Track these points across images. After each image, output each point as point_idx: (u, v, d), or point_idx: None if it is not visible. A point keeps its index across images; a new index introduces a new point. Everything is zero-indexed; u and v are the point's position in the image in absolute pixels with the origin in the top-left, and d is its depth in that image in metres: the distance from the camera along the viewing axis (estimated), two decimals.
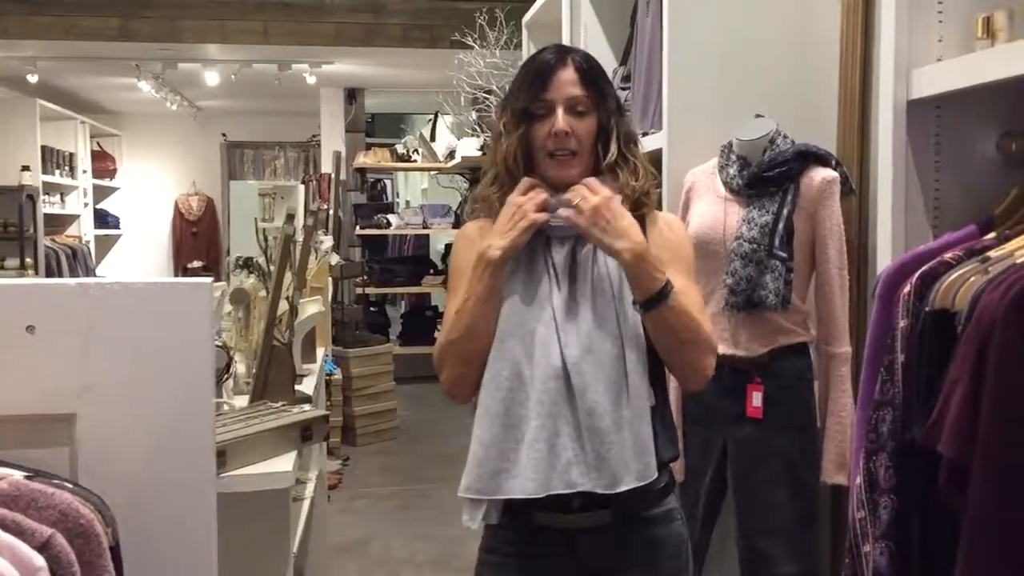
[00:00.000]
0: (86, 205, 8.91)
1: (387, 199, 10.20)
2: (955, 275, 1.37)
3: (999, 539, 1.22)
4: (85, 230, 8.85)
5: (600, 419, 1.52)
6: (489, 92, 5.09)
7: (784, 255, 2.23)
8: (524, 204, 1.57)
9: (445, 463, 5.41)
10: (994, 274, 1.31)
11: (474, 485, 1.55)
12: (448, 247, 7.46)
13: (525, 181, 1.60)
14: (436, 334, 7.93)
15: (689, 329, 1.57)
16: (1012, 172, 1.57)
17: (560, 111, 1.58)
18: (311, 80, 7.41)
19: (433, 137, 7.59)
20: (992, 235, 1.48)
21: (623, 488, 1.52)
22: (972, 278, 1.34)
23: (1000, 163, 1.60)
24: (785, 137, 2.33)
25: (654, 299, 1.53)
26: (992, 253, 1.40)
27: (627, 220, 1.54)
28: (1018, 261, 1.33)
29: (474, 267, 1.59)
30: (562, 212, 1.57)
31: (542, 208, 1.57)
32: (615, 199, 1.56)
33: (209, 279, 1.11)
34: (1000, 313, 1.22)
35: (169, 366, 1.09)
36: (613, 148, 1.63)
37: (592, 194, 1.55)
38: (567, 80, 1.59)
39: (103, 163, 9.58)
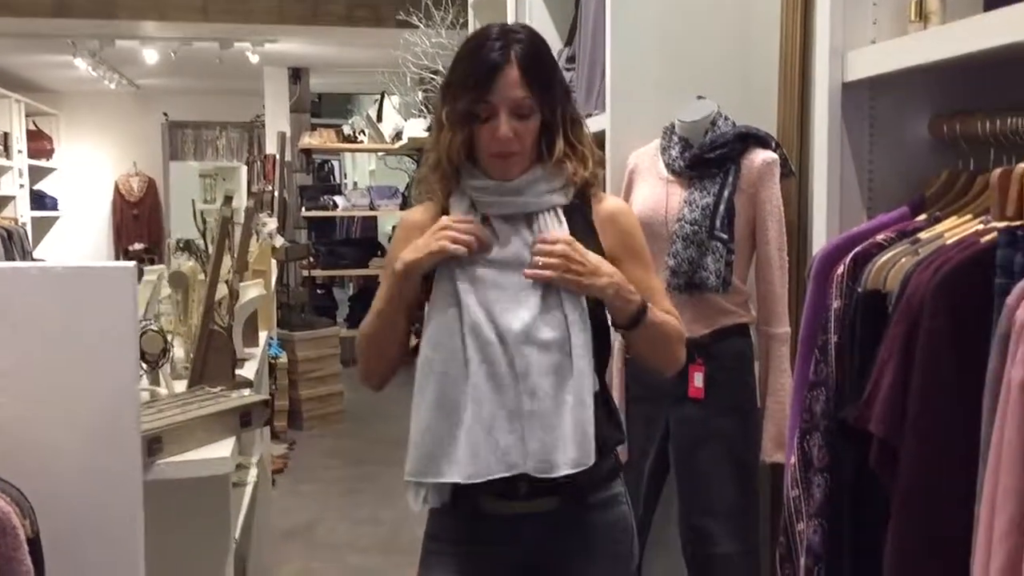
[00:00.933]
0: (22, 186, 8.66)
1: (334, 180, 10.09)
2: (886, 256, 1.39)
3: (927, 517, 1.24)
4: (21, 212, 8.60)
5: (540, 402, 1.51)
6: (435, 72, 5.04)
7: (725, 237, 2.24)
8: (449, 230, 1.54)
9: (392, 446, 5.35)
10: (924, 255, 1.33)
11: (414, 468, 1.55)
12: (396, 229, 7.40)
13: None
14: None
15: (666, 336, 1.63)
16: (943, 153, 1.60)
17: (503, 116, 1.54)
18: (254, 59, 7.28)
19: (380, 118, 7.51)
20: (923, 216, 1.50)
21: (559, 474, 1.51)
22: (903, 259, 1.36)
23: (932, 145, 1.62)
24: (726, 119, 2.34)
25: (634, 321, 1.57)
26: (922, 235, 1.42)
27: (592, 255, 1.55)
28: (947, 243, 1.35)
29: (388, 271, 1.62)
30: (528, 272, 1.55)
31: (470, 238, 1.54)
32: (574, 241, 1.55)
33: (132, 263, 1.07)
34: (929, 294, 1.24)
35: (91, 353, 1.06)
36: (559, 144, 1.60)
37: (551, 244, 1.53)
38: (511, 82, 1.53)
39: (40, 143, 9.32)
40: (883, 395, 1.26)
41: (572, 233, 1.58)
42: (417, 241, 1.58)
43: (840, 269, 1.46)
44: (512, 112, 1.55)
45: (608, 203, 1.70)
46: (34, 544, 0.97)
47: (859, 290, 1.41)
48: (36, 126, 9.32)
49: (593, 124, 2.75)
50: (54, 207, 9.68)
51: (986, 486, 1.10)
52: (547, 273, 1.52)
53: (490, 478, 1.51)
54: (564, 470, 1.51)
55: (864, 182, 1.64)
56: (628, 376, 2.43)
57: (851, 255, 1.45)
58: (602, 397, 1.61)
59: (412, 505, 1.58)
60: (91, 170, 10.10)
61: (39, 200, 9.28)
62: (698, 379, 2.30)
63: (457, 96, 1.58)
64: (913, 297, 1.26)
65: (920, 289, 1.26)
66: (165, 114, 10.17)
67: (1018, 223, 1.19)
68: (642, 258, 1.67)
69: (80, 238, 9.94)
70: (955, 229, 1.40)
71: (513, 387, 1.52)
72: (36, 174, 9.24)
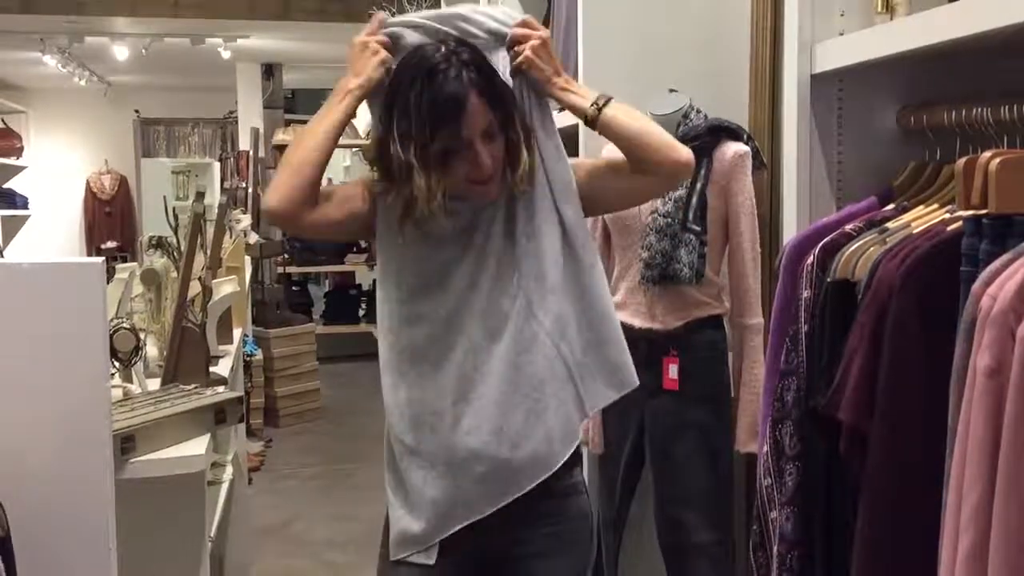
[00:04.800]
0: None
1: None
2: (855, 246, 1.41)
3: (895, 504, 1.26)
4: None
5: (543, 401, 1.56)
6: None
7: (698, 229, 2.26)
8: (370, 43, 1.58)
9: (369, 442, 5.37)
10: (891, 244, 1.35)
11: (430, 532, 1.57)
12: None
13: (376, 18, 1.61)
14: (360, 313, 7.89)
15: (647, 121, 1.62)
16: (911, 144, 1.61)
17: (479, 146, 1.51)
18: (226, 55, 7.23)
19: (354, 114, 7.47)
20: (891, 206, 1.52)
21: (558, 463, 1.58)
22: (871, 249, 1.38)
23: (899, 136, 1.64)
24: (698, 112, 2.35)
25: (600, 102, 1.59)
26: (890, 224, 1.44)
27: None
28: (915, 231, 1.37)
29: (331, 97, 1.61)
30: (515, 56, 1.58)
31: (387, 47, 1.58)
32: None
33: (100, 259, 1.06)
34: (897, 282, 1.25)
35: (60, 352, 1.05)
36: (525, 157, 1.57)
37: (533, 31, 1.58)
38: (478, 111, 1.50)
39: (9, 141, 9.21)
40: (852, 383, 1.28)
41: None
42: (353, 69, 1.59)
43: (810, 259, 1.47)
44: (484, 140, 1.52)
45: None
46: (4, 544, 0.96)
47: (828, 280, 1.42)
48: (5, 124, 9.21)
49: (566, 119, 2.76)
50: (24, 206, 9.57)
51: (953, 472, 1.11)
52: (523, 56, 1.56)
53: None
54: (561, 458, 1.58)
55: (833, 173, 1.66)
56: None
57: (820, 245, 1.47)
58: None
59: (425, 560, 1.58)
60: (62, 168, 9.99)
61: (9, 199, 9.18)
62: (672, 371, 2.32)
63: (422, 138, 1.50)
64: (881, 286, 1.28)
65: (888, 278, 1.27)
66: (136, 111, 10.08)
67: (983, 212, 1.21)
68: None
69: (51, 237, 9.83)
70: (922, 218, 1.42)
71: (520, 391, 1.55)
72: (5, 173, 9.14)
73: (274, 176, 1.62)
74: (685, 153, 1.59)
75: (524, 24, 1.60)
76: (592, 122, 1.59)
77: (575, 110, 1.61)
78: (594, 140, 2.54)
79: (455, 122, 1.49)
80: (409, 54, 1.56)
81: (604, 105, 1.59)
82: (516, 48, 1.58)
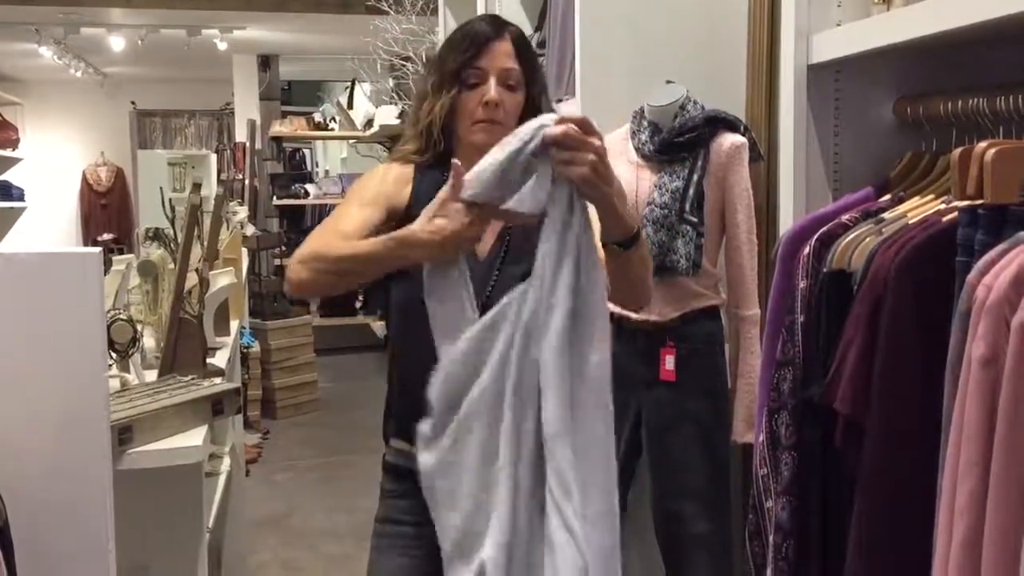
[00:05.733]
0: None
1: (306, 168, 10.02)
2: (851, 236, 1.41)
3: (891, 493, 1.26)
4: None
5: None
6: (406, 59, 5.02)
7: (695, 220, 2.26)
8: (466, 216, 1.34)
9: (367, 434, 5.37)
10: (887, 235, 1.35)
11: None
12: None
13: (456, 167, 1.35)
14: (357, 305, 7.89)
15: (649, 259, 1.56)
16: (907, 135, 1.62)
17: (493, 81, 1.55)
18: (222, 46, 7.20)
19: (351, 105, 7.46)
20: (887, 197, 1.52)
21: None
22: (867, 239, 1.38)
23: (896, 126, 1.64)
24: (695, 103, 2.35)
25: (633, 238, 1.41)
26: (886, 214, 1.44)
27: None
28: (911, 222, 1.38)
29: (398, 238, 1.40)
30: (559, 170, 1.28)
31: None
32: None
33: (98, 249, 1.06)
34: (892, 272, 1.26)
35: (59, 342, 1.05)
36: None
37: (589, 137, 1.30)
38: (503, 52, 1.56)
39: (5, 133, 9.16)
40: (848, 373, 1.28)
41: None
42: (439, 222, 1.34)
43: (806, 250, 1.47)
44: (501, 80, 1.56)
45: None
46: (3, 534, 0.97)
47: (824, 270, 1.43)
48: (0, 115, 9.18)
49: (564, 109, 2.76)
50: (20, 198, 9.53)
51: (948, 461, 1.12)
52: (580, 170, 1.29)
53: None
54: None
55: (830, 164, 1.66)
56: None
57: (816, 236, 1.47)
58: None
59: None
60: (58, 160, 9.96)
61: (5, 191, 9.14)
62: (669, 362, 2.32)
63: (447, 62, 1.59)
64: (877, 276, 1.28)
65: (884, 268, 1.27)
66: (133, 102, 10.05)
67: (978, 202, 1.21)
68: None
69: (48, 229, 9.80)
70: (918, 209, 1.43)
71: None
72: (1, 164, 9.10)
73: (304, 274, 1.48)
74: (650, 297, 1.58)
75: (582, 126, 1.31)
76: (605, 247, 1.41)
77: (604, 230, 1.40)
78: None
79: (477, 52, 1.56)
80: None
81: (628, 246, 1.41)
82: (567, 156, 1.30)
